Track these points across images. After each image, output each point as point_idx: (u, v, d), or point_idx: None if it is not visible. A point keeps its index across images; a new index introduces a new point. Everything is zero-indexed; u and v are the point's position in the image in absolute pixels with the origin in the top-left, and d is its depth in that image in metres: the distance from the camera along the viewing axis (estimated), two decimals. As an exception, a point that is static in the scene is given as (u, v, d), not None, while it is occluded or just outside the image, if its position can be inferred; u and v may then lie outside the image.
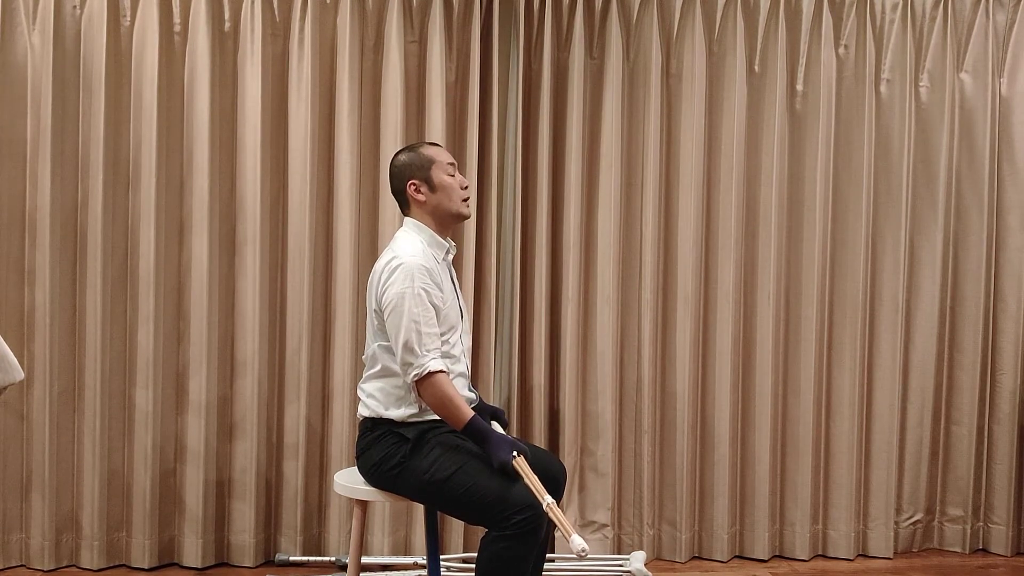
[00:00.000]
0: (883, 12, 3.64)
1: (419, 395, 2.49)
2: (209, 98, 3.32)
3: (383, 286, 2.51)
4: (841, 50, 3.63)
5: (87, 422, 3.32)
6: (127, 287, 3.36)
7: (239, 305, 3.40)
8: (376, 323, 2.57)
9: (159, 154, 3.31)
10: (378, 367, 2.58)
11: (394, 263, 2.50)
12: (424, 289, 2.48)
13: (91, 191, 3.29)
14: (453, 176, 2.64)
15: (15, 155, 3.29)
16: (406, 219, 2.67)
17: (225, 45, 3.38)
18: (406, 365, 2.45)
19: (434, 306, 2.51)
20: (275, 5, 3.40)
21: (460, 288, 2.80)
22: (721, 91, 3.57)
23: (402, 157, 2.68)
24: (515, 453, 2.38)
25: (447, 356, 2.56)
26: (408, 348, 2.44)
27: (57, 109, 3.26)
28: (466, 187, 2.67)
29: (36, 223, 3.28)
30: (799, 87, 3.62)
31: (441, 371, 2.45)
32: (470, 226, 3.45)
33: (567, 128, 3.52)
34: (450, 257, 2.70)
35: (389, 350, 2.53)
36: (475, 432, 2.44)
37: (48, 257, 3.26)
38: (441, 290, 2.55)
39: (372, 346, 2.60)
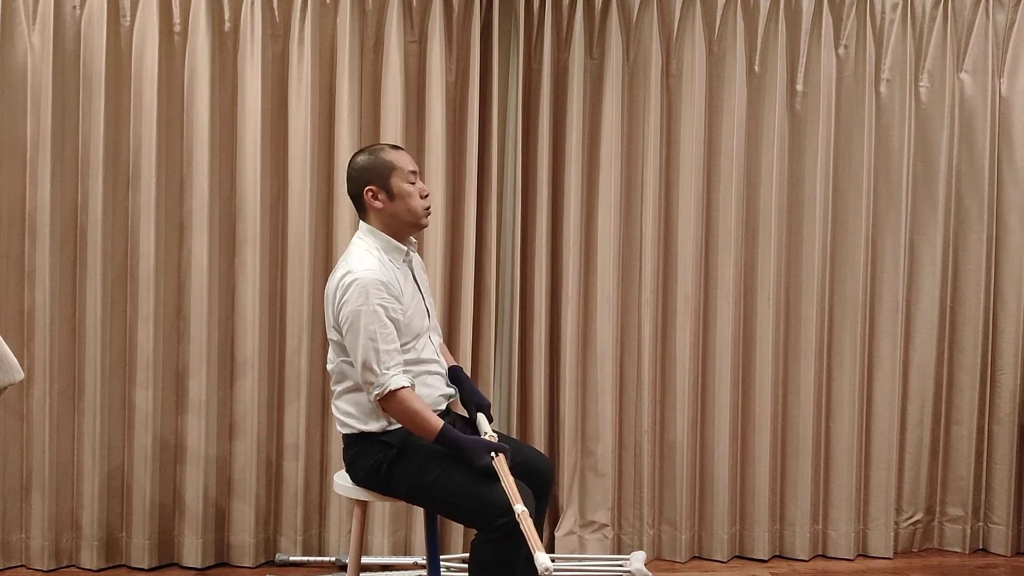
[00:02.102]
0: (883, 12, 3.64)
1: (384, 412, 2.45)
2: (209, 98, 3.32)
3: (338, 304, 2.44)
4: (841, 50, 3.63)
5: (87, 422, 3.32)
6: (127, 287, 3.36)
7: (239, 305, 3.40)
8: (335, 338, 2.51)
9: (159, 154, 3.31)
10: (347, 383, 2.53)
11: (347, 279, 2.42)
12: (380, 305, 2.41)
13: (91, 191, 3.29)
14: (414, 184, 2.54)
15: (15, 155, 3.29)
16: (361, 224, 2.58)
17: (225, 45, 3.38)
18: (367, 384, 2.41)
19: (393, 320, 2.44)
20: (275, 5, 3.39)
21: (427, 287, 2.71)
22: (721, 91, 3.57)
23: (360, 160, 2.56)
24: (492, 454, 2.37)
25: (417, 362, 2.52)
26: (367, 367, 2.39)
27: (57, 109, 3.26)
28: (426, 195, 2.58)
29: (36, 223, 3.28)
30: (799, 87, 3.62)
31: (403, 387, 2.40)
32: (470, 226, 3.45)
33: (567, 128, 3.52)
34: (411, 258, 2.62)
35: (353, 365, 2.48)
36: (448, 443, 2.40)
37: (48, 257, 3.26)
38: (400, 301, 2.48)
39: (336, 361, 2.55)
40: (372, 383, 2.40)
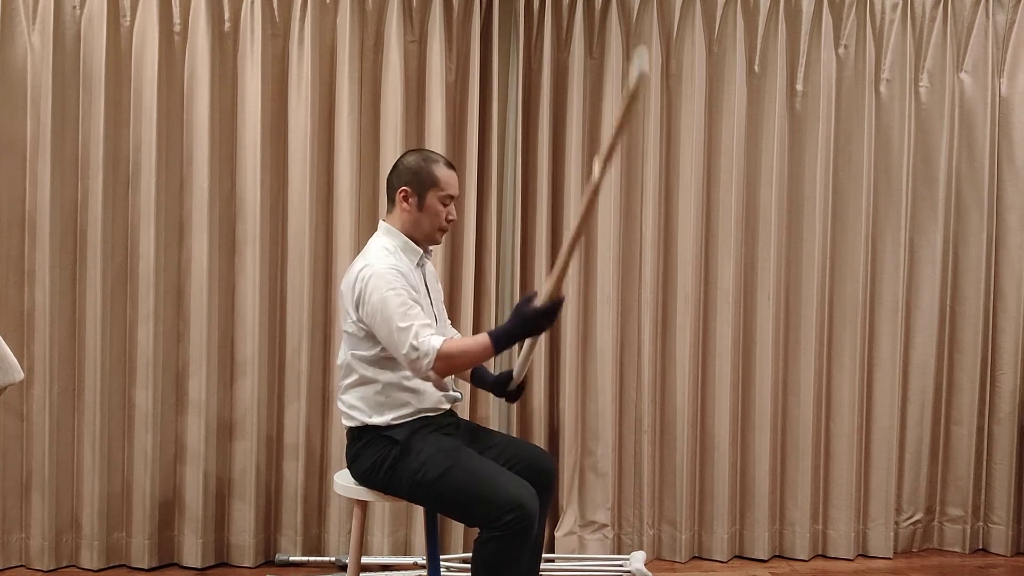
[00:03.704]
0: (883, 12, 3.64)
1: (441, 377, 2.45)
2: (209, 98, 3.33)
3: (359, 297, 2.46)
4: (841, 50, 3.63)
5: (87, 422, 3.32)
6: (127, 287, 3.36)
7: (239, 305, 3.40)
8: (351, 330, 2.52)
9: (159, 154, 3.32)
10: (355, 376, 2.54)
11: (366, 272, 2.46)
12: (402, 288, 2.44)
13: (91, 191, 3.29)
14: (446, 206, 2.59)
15: (15, 155, 3.29)
16: (381, 223, 2.64)
17: (225, 45, 3.38)
18: (413, 362, 2.39)
19: (414, 301, 2.48)
20: (275, 5, 3.40)
21: (439, 298, 2.76)
22: (721, 91, 3.57)
23: (411, 160, 2.61)
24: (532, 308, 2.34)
25: None
26: (408, 346, 2.38)
27: (57, 109, 3.26)
28: (451, 221, 2.63)
29: (36, 223, 3.28)
30: (799, 87, 3.62)
31: (441, 345, 2.38)
32: (470, 226, 3.45)
33: (567, 128, 3.52)
34: (425, 263, 2.66)
35: (363, 359, 2.50)
36: (505, 339, 2.38)
37: (48, 257, 3.26)
38: (416, 292, 2.52)
39: (346, 355, 2.56)
40: (417, 360, 2.38)
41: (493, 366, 3.51)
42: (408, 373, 2.49)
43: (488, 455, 2.56)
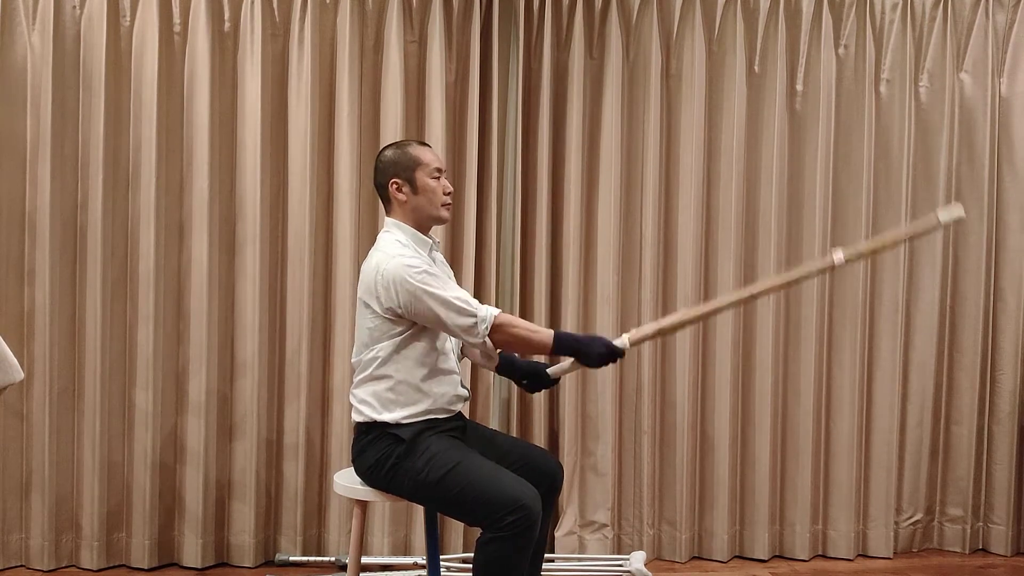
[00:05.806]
0: (883, 12, 3.64)
1: (497, 347, 2.51)
2: (209, 98, 3.33)
3: (385, 294, 2.45)
4: (841, 50, 3.63)
5: (87, 422, 3.32)
6: (127, 287, 3.36)
7: (239, 305, 3.40)
8: (370, 324, 2.51)
9: (159, 154, 3.32)
10: (368, 371, 2.53)
11: (386, 264, 2.45)
12: (425, 271, 2.45)
13: (91, 191, 3.29)
14: (437, 179, 2.59)
15: (15, 155, 3.29)
16: (387, 220, 2.62)
17: (225, 45, 3.38)
18: (470, 331, 2.43)
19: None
20: (275, 5, 3.40)
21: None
22: (721, 91, 3.57)
23: (388, 153, 2.63)
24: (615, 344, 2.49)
25: (438, 354, 2.54)
26: (461, 318, 2.42)
27: (57, 109, 3.26)
28: (449, 192, 2.63)
29: (36, 223, 3.28)
30: (799, 87, 3.62)
31: (498, 313, 2.45)
32: (470, 226, 3.45)
33: (567, 128, 3.52)
34: (435, 254, 2.66)
35: (378, 354, 2.49)
36: (566, 345, 2.49)
37: (48, 257, 3.26)
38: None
39: (360, 353, 2.55)
40: (474, 328, 2.43)
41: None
42: (424, 371, 2.49)
43: (493, 457, 2.55)
